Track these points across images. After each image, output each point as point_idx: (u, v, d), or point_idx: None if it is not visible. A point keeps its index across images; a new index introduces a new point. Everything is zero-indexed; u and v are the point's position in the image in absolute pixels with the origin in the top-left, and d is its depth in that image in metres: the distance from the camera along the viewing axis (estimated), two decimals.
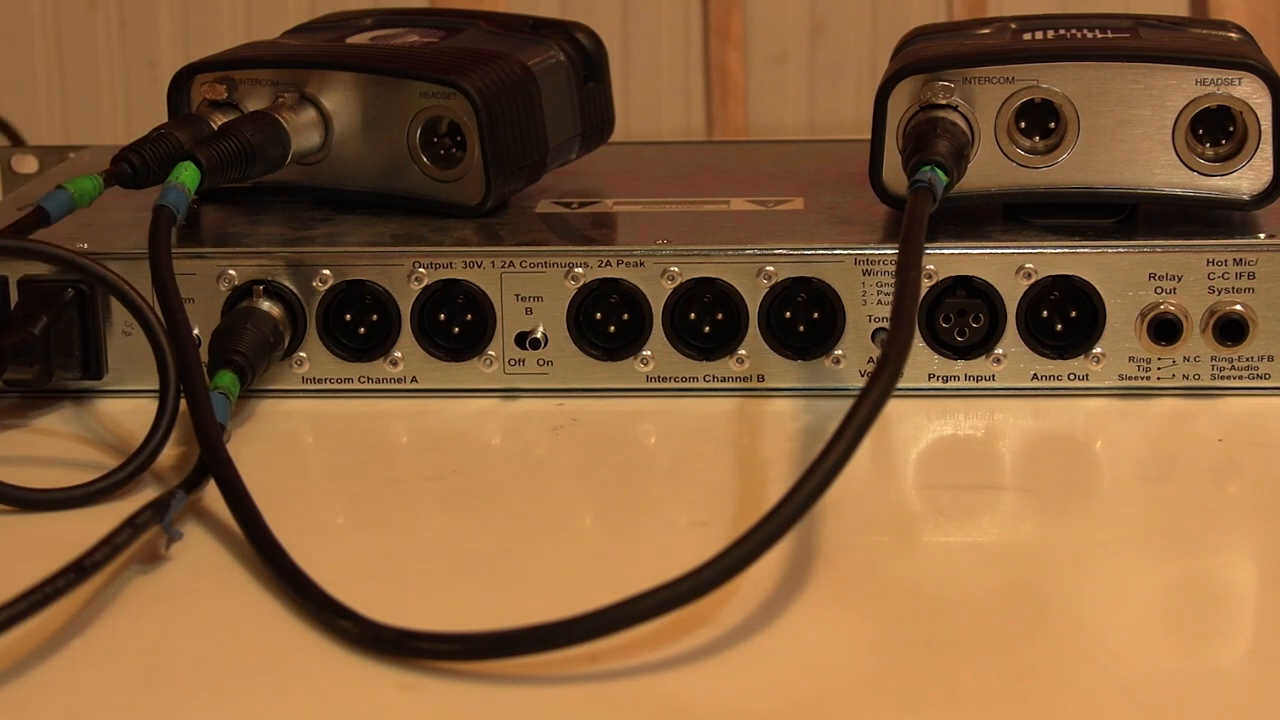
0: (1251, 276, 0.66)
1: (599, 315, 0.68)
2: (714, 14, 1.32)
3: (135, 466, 0.60)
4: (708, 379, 0.68)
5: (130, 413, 0.67)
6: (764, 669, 0.49)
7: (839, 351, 0.67)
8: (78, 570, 0.51)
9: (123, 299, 0.64)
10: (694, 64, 1.34)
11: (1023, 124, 0.69)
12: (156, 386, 0.63)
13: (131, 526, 0.54)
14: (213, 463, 0.58)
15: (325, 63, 0.72)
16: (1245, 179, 0.68)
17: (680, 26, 1.33)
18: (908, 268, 0.60)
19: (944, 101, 0.68)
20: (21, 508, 0.60)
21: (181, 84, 0.73)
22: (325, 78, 0.72)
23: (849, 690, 0.49)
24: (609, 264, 0.67)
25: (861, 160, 0.70)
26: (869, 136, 0.69)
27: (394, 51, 0.74)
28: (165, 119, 0.72)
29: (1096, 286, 0.67)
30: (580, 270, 0.67)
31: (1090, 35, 0.70)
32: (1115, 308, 0.67)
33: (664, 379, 0.68)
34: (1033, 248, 0.67)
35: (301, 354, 0.68)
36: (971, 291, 0.67)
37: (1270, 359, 0.67)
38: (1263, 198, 0.68)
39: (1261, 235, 0.67)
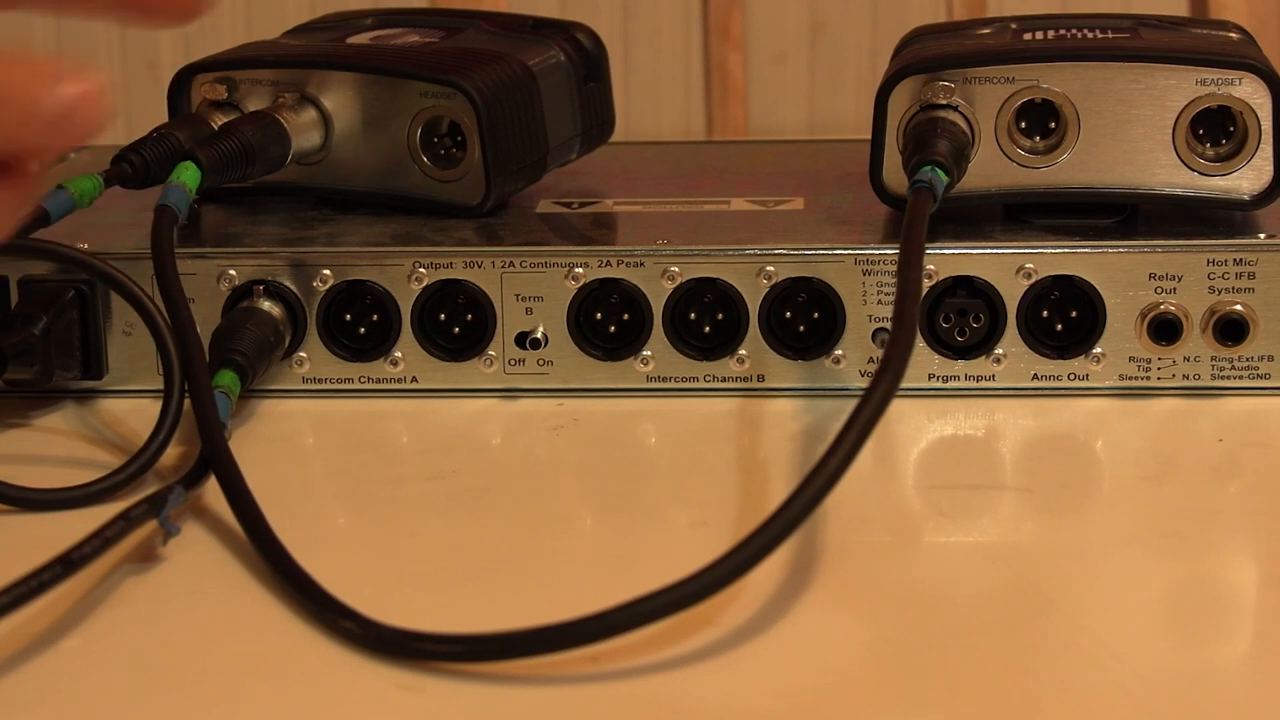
0: (1251, 276, 0.66)
1: (599, 315, 0.68)
2: (714, 14, 1.32)
3: (138, 466, 0.60)
4: (708, 379, 0.68)
5: (131, 412, 0.67)
6: (766, 669, 0.49)
7: (839, 351, 0.67)
8: (65, 563, 0.51)
9: (128, 296, 0.64)
10: (694, 64, 1.33)
11: (1023, 124, 0.69)
12: (157, 386, 0.63)
13: (125, 520, 0.54)
14: (215, 460, 0.58)
15: (325, 63, 0.72)
16: (1245, 179, 0.68)
17: (680, 26, 1.33)
18: (909, 268, 0.60)
19: (944, 101, 0.68)
20: (21, 508, 0.60)
21: (181, 84, 0.73)
22: (325, 78, 0.72)
23: (850, 690, 0.49)
24: (609, 264, 0.67)
25: (861, 160, 0.70)
26: (869, 136, 0.69)
27: (394, 51, 0.74)
28: (165, 119, 0.72)
29: (1096, 286, 0.67)
30: (580, 270, 0.67)
31: (1090, 35, 0.70)
32: (1115, 308, 0.67)
33: (664, 379, 0.68)
34: (1033, 248, 0.67)
35: (302, 354, 0.68)
36: (971, 291, 0.67)
37: (1270, 359, 0.67)
38: (1263, 198, 0.68)
39: (1261, 235, 0.67)
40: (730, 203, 0.74)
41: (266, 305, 0.67)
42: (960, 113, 0.68)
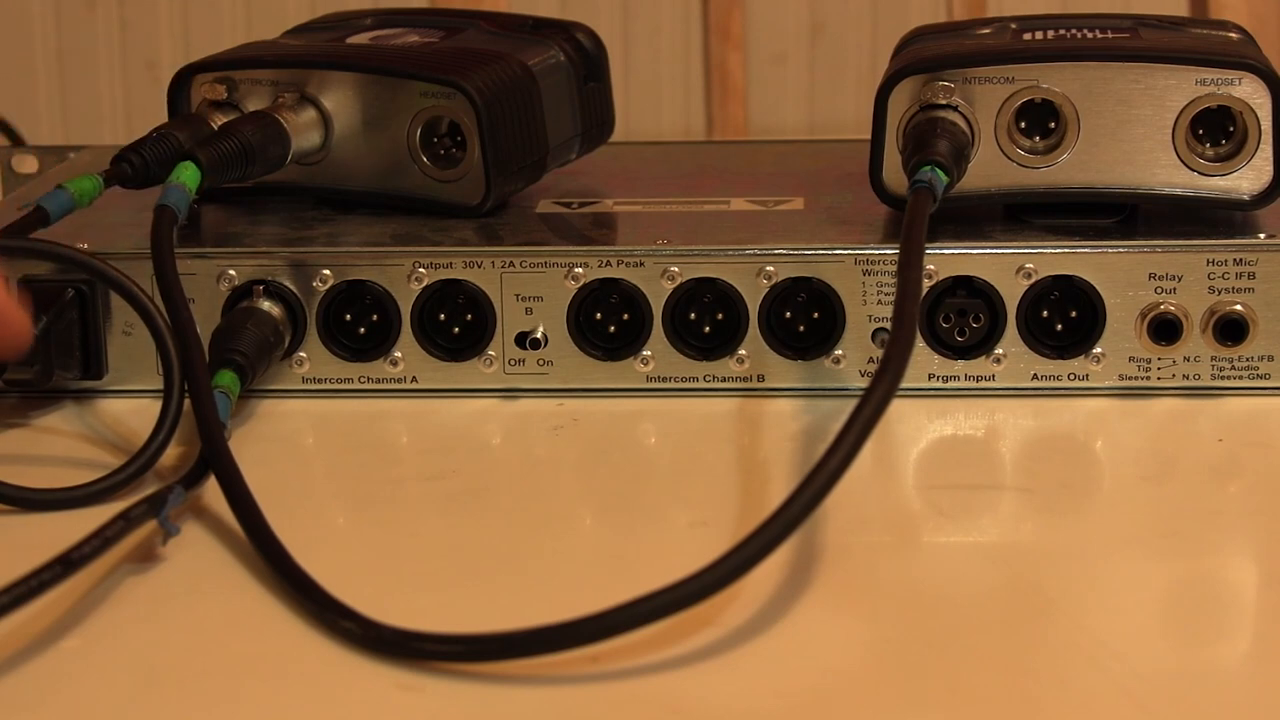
0: (1251, 276, 0.66)
1: (599, 315, 0.68)
2: (714, 14, 1.32)
3: (138, 466, 0.60)
4: (708, 379, 0.68)
5: (131, 412, 0.67)
6: (765, 669, 0.49)
7: (839, 351, 0.67)
8: (65, 563, 0.51)
9: (128, 296, 0.64)
10: (694, 64, 1.34)
11: (1023, 124, 0.69)
12: (156, 386, 0.63)
13: (124, 520, 0.54)
14: (215, 460, 0.58)
15: (325, 63, 0.72)
16: (1245, 179, 0.68)
17: (680, 26, 1.33)
18: (909, 268, 0.60)
19: (944, 101, 0.68)
20: (21, 508, 0.60)
21: (181, 84, 0.73)
22: (325, 78, 0.72)
23: (850, 690, 0.49)
24: (609, 264, 0.67)
25: (861, 160, 0.70)
26: (869, 136, 0.69)
27: (394, 51, 0.74)
28: (165, 119, 0.72)
29: (1096, 286, 0.67)
30: (580, 270, 0.67)
31: (1090, 35, 0.70)
32: (1115, 308, 0.67)
33: (664, 379, 0.68)
34: (1033, 248, 0.67)
35: (301, 354, 0.68)
36: (971, 291, 0.67)
37: (1270, 359, 0.67)
38: (1263, 198, 0.68)
39: (1261, 235, 0.67)
40: (730, 203, 0.74)
41: (266, 305, 0.67)
42: (960, 113, 0.68)
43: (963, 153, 0.67)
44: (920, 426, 0.66)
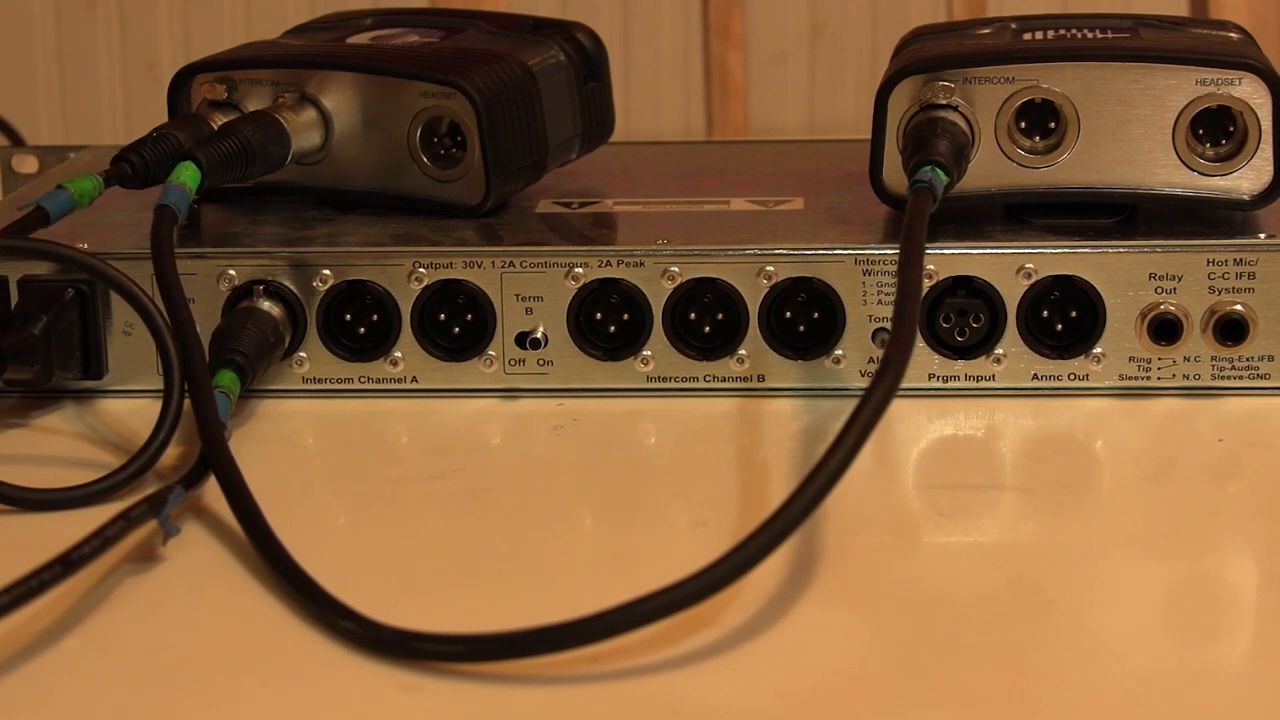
0: (1252, 276, 0.66)
1: (599, 315, 0.68)
2: (714, 14, 1.32)
3: (138, 466, 0.60)
4: (708, 379, 0.68)
5: (131, 412, 0.67)
6: (766, 669, 0.49)
7: (839, 351, 0.67)
8: (65, 563, 0.51)
9: (128, 296, 0.64)
10: (694, 64, 1.34)
11: (1023, 124, 0.69)
12: (157, 386, 0.63)
13: (124, 520, 0.54)
14: (215, 460, 0.58)
15: (325, 63, 0.72)
16: (1245, 179, 0.68)
17: (680, 26, 1.33)
18: (909, 268, 0.60)
19: (944, 101, 0.68)
20: (21, 508, 0.60)
21: (181, 84, 0.73)
22: (325, 78, 0.72)
23: (851, 690, 0.49)
24: (609, 264, 0.67)
25: (861, 160, 0.70)
26: (869, 136, 0.69)
27: (394, 51, 0.74)
28: (165, 119, 0.72)
29: (1097, 286, 0.67)
30: (580, 270, 0.67)
31: (1090, 35, 0.70)
32: (1115, 308, 0.67)
33: (664, 379, 0.68)
34: (1033, 248, 0.67)
35: (301, 354, 0.68)
36: (971, 291, 0.67)
37: (1270, 359, 0.67)
38: (1263, 198, 0.68)
39: (1261, 235, 0.67)
40: (730, 203, 0.74)
41: (266, 305, 0.67)
42: (960, 113, 0.68)
43: (963, 153, 0.67)
44: (920, 426, 0.66)
